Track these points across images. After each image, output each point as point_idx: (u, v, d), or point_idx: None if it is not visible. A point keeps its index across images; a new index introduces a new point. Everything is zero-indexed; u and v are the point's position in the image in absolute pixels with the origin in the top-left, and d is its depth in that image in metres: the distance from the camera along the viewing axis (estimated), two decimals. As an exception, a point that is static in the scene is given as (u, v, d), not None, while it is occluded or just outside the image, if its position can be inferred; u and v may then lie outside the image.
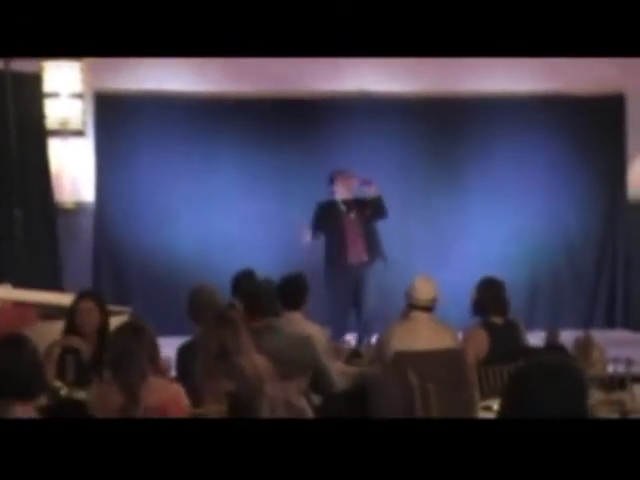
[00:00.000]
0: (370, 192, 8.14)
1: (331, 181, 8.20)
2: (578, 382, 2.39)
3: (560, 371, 2.37)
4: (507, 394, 2.43)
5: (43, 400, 4.23)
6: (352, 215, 8.08)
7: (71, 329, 5.12)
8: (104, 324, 5.15)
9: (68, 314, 5.20)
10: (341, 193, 8.15)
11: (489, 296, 5.65)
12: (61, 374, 4.87)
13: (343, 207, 8.12)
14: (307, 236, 8.08)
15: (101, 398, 3.88)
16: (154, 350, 3.96)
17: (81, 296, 5.29)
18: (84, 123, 9.04)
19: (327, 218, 8.12)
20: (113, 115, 9.11)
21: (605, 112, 9.50)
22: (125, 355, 3.84)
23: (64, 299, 6.04)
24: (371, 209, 8.09)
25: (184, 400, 3.96)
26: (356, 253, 8.03)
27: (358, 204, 8.12)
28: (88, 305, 5.14)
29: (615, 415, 4.36)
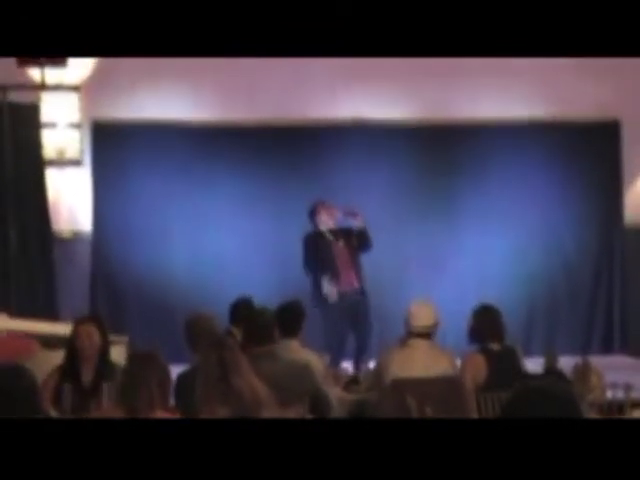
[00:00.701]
0: (356, 223, 8.09)
1: (313, 213, 8.16)
2: (572, 405, 2.38)
3: (554, 395, 2.37)
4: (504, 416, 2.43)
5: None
6: (340, 244, 8.07)
7: (72, 353, 5.09)
8: (105, 348, 5.14)
9: (68, 339, 5.17)
10: (325, 223, 8.13)
11: (485, 323, 5.65)
12: (58, 403, 4.85)
13: (330, 236, 8.11)
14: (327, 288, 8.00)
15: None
16: (166, 380, 3.97)
17: (82, 320, 5.28)
18: (81, 152, 9.06)
19: (316, 248, 8.09)
20: (110, 144, 9.14)
21: (601, 137, 9.56)
22: (138, 384, 3.82)
23: (61, 328, 6.04)
24: (357, 240, 8.08)
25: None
26: (348, 281, 8.02)
27: (345, 233, 8.09)
28: (89, 329, 5.12)
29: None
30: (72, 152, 9.02)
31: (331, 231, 8.12)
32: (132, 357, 4.15)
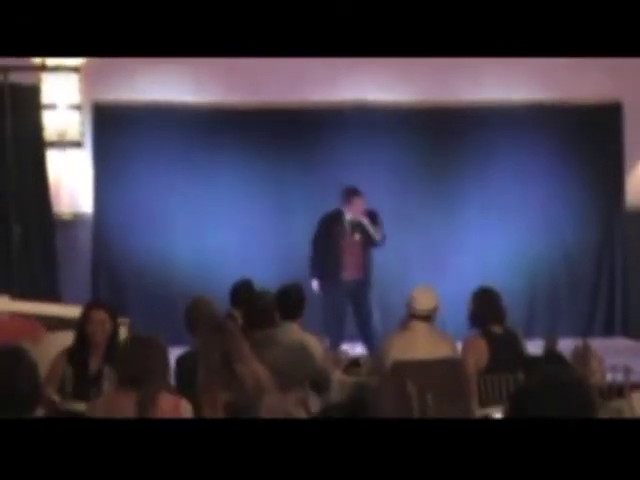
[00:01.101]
0: (377, 236, 8.06)
1: (346, 197, 8.11)
2: (586, 397, 2.37)
3: (569, 385, 2.35)
4: (515, 408, 2.40)
5: (40, 412, 4.24)
6: (356, 236, 8.06)
7: (82, 339, 5.07)
8: (114, 335, 5.13)
9: (78, 323, 5.15)
10: (351, 212, 8.10)
11: (485, 305, 5.66)
12: (61, 386, 4.86)
13: (348, 226, 8.09)
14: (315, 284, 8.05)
15: (109, 409, 3.86)
16: (167, 364, 4.00)
17: (93, 306, 5.25)
18: (82, 134, 9.05)
19: (329, 232, 8.08)
20: (111, 126, 9.12)
21: (602, 121, 9.52)
22: (146, 370, 3.83)
23: (63, 310, 6.05)
24: (371, 242, 8.07)
25: (187, 412, 3.96)
26: (352, 271, 8.03)
27: (362, 229, 8.08)
28: (100, 315, 5.09)
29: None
30: (73, 134, 9.01)
31: (352, 222, 8.09)
32: (135, 341, 4.15)
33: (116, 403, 3.85)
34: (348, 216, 8.09)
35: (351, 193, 8.11)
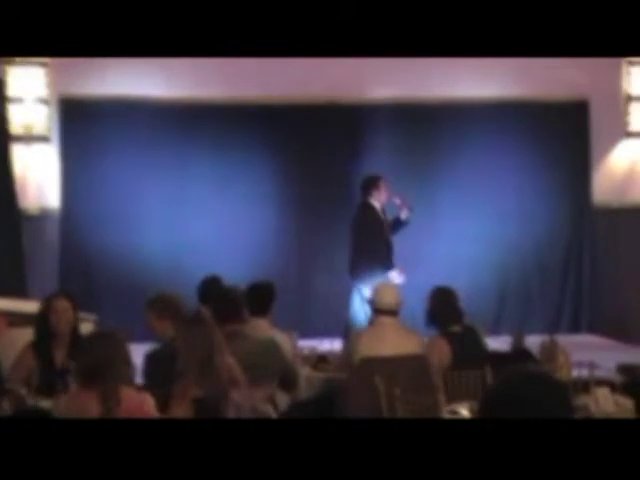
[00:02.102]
0: (403, 215, 8.06)
1: (373, 185, 8.00)
2: (564, 394, 2.38)
3: (547, 383, 2.36)
4: (490, 406, 2.40)
5: (6, 405, 4.19)
6: (388, 223, 8.03)
7: (44, 330, 5.01)
8: (77, 325, 5.08)
9: (40, 315, 5.08)
10: (380, 201, 8.01)
11: (442, 305, 5.68)
12: (28, 380, 4.81)
13: (382, 214, 8.04)
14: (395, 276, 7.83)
15: (72, 408, 3.82)
16: (127, 358, 3.94)
17: (55, 296, 5.19)
18: (49, 128, 8.97)
19: (369, 222, 7.95)
20: (79, 120, 9.05)
21: (570, 117, 9.60)
22: (105, 363, 3.79)
23: (28, 306, 5.97)
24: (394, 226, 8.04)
25: (152, 408, 3.94)
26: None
27: (387, 214, 8.06)
28: (63, 304, 5.03)
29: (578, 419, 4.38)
30: (40, 128, 8.96)
31: (382, 209, 8.06)
32: (93, 336, 4.11)
33: (78, 401, 3.81)
34: (377, 204, 8.01)
35: (377, 179, 8.03)
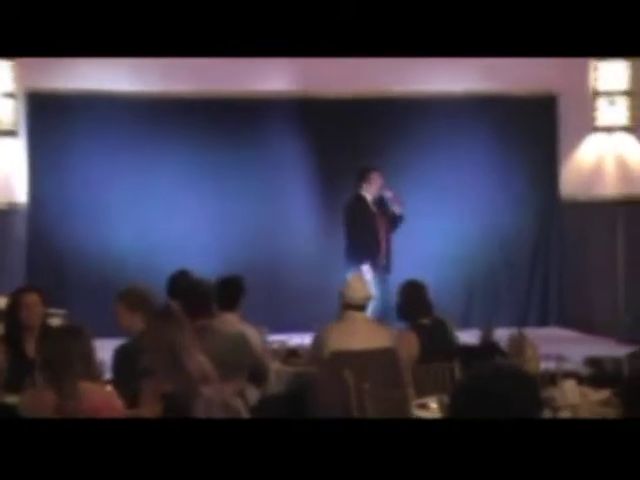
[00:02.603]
0: (397, 209, 8.11)
1: (364, 177, 8.09)
2: (533, 388, 2.40)
3: (516, 377, 2.37)
4: (459, 400, 2.42)
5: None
6: (382, 217, 8.04)
7: (13, 325, 4.97)
8: (45, 320, 5.05)
9: (9, 310, 5.04)
10: (371, 193, 8.08)
11: (412, 299, 5.71)
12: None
13: (374, 207, 8.06)
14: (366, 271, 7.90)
15: (34, 403, 3.79)
16: (90, 354, 3.86)
17: (24, 290, 5.17)
18: (16, 123, 8.90)
19: (358, 214, 8.05)
20: (47, 115, 8.99)
21: (538, 112, 9.66)
22: (60, 359, 3.74)
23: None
24: (392, 220, 8.06)
25: (117, 403, 3.92)
26: (382, 255, 8.01)
27: (383, 207, 8.08)
28: (33, 298, 5.01)
29: (546, 411, 4.43)
30: (6, 122, 8.89)
31: (374, 201, 8.06)
32: (54, 332, 4.07)
33: (39, 397, 3.78)
34: (369, 197, 8.04)
35: (368, 171, 8.11)
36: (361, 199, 8.06)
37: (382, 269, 8.02)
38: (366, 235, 7.98)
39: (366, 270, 7.78)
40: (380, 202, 8.12)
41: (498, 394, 2.30)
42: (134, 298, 5.14)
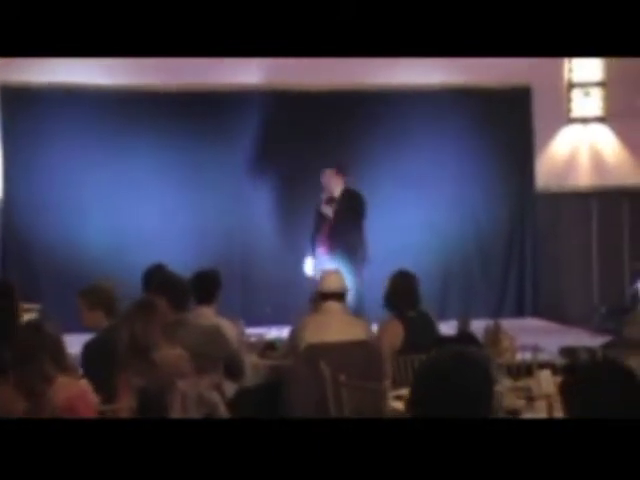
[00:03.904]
0: (323, 208, 8.04)
1: (321, 175, 8.11)
2: (483, 370, 2.43)
3: (465, 360, 2.41)
4: (417, 385, 2.45)
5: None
6: (326, 212, 8.01)
7: None
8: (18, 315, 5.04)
9: None
10: (324, 189, 8.06)
11: (401, 289, 5.71)
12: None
13: (324, 204, 8.04)
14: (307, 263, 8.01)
15: (3, 401, 3.75)
16: (57, 349, 3.81)
17: None
18: (-11, 117, 8.83)
19: (316, 213, 8.10)
20: (20, 108, 8.93)
21: (512, 104, 9.69)
22: (25, 356, 3.70)
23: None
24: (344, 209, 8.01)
25: (92, 397, 3.90)
26: (321, 247, 8.00)
27: (332, 202, 8.02)
28: None
29: (522, 401, 4.46)
30: (-21, 117, 8.80)
31: (326, 198, 8.05)
32: (21, 329, 4.02)
33: (9, 392, 3.72)
34: (327, 194, 8.07)
35: (324, 171, 8.10)
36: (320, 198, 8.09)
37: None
38: (313, 232, 8.08)
39: (308, 262, 7.96)
40: (331, 198, 8.03)
41: (450, 377, 2.36)
42: (95, 296, 5.13)
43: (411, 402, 2.44)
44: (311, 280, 7.50)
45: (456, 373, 2.38)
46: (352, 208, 8.01)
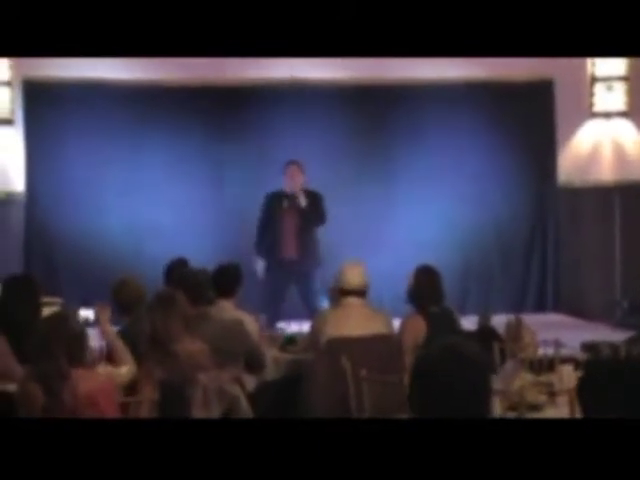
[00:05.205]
0: (301, 201, 7.97)
1: (283, 170, 8.08)
2: (472, 363, 2.40)
3: (464, 355, 2.39)
4: (410, 381, 2.44)
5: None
6: (292, 211, 8.00)
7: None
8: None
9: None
10: (288, 186, 8.04)
11: (426, 284, 5.69)
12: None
13: (286, 201, 8.04)
14: (259, 265, 8.03)
15: (24, 393, 3.77)
16: (77, 342, 3.78)
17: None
18: (12, 111, 8.88)
19: (271, 210, 8.06)
20: (42, 103, 8.97)
21: (535, 98, 9.62)
22: (42, 349, 3.69)
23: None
24: (307, 210, 7.97)
25: (113, 389, 3.91)
26: (287, 249, 8.01)
27: (297, 200, 7.99)
28: None
29: (544, 396, 4.44)
30: (3, 111, 8.87)
31: (289, 195, 8.02)
32: (41, 322, 4.00)
33: (29, 384, 3.72)
34: (288, 190, 8.03)
35: (287, 164, 8.07)
36: (278, 193, 8.05)
37: (292, 264, 7.96)
38: (269, 228, 8.03)
39: (260, 264, 7.98)
40: (296, 201, 7.99)
41: (443, 375, 2.34)
42: (125, 292, 5.17)
43: (408, 398, 2.42)
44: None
45: (443, 366, 2.35)
46: (319, 210, 7.99)
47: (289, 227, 8.01)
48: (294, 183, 8.01)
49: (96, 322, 4.69)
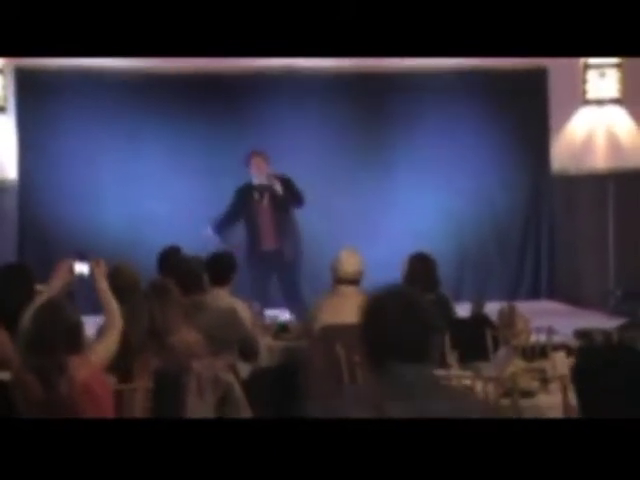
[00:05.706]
0: (277, 188, 7.91)
1: (247, 163, 8.04)
2: (422, 310, 2.56)
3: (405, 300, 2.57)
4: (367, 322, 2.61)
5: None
6: (265, 202, 7.96)
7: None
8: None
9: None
10: (256, 177, 8.00)
11: (421, 272, 5.70)
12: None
13: (256, 193, 7.99)
14: (209, 231, 8.00)
15: (20, 384, 3.73)
16: (75, 332, 3.72)
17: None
18: (5, 99, 8.85)
19: (243, 204, 8.02)
20: (35, 90, 8.94)
21: (529, 86, 9.63)
22: (39, 340, 3.62)
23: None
24: (283, 200, 7.89)
25: (107, 378, 3.91)
26: (266, 241, 7.97)
27: (272, 192, 7.92)
28: None
29: (536, 383, 4.46)
30: (-4, 98, 8.83)
31: (258, 187, 7.98)
32: (36, 311, 3.95)
33: (25, 373, 3.67)
34: (256, 181, 7.97)
35: (251, 155, 8.00)
36: (243, 190, 8.01)
37: (271, 255, 7.93)
38: (247, 226, 8.01)
39: (209, 232, 7.94)
40: (267, 190, 7.93)
41: (389, 315, 2.54)
42: (119, 279, 5.13)
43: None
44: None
45: (382, 308, 2.57)
46: (294, 192, 7.91)
47: (265, 219, 7.95)
48: (261, 173, 7.93)
49: (91, 277, 4.62)
